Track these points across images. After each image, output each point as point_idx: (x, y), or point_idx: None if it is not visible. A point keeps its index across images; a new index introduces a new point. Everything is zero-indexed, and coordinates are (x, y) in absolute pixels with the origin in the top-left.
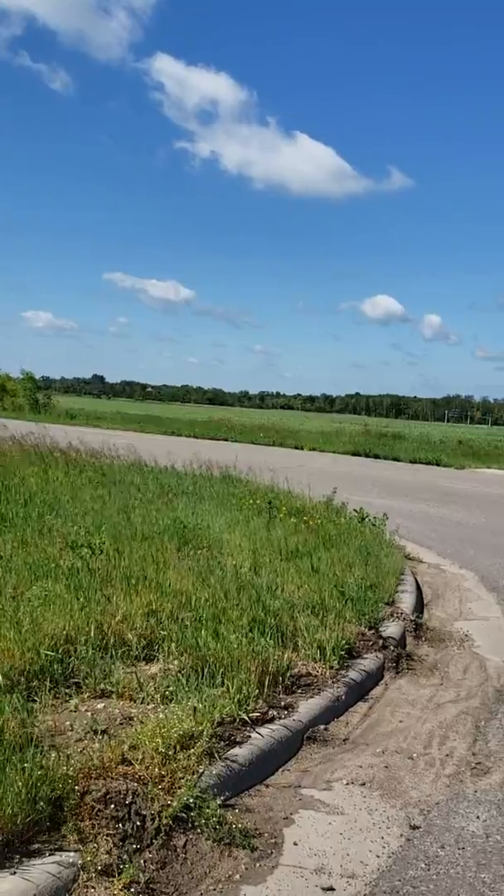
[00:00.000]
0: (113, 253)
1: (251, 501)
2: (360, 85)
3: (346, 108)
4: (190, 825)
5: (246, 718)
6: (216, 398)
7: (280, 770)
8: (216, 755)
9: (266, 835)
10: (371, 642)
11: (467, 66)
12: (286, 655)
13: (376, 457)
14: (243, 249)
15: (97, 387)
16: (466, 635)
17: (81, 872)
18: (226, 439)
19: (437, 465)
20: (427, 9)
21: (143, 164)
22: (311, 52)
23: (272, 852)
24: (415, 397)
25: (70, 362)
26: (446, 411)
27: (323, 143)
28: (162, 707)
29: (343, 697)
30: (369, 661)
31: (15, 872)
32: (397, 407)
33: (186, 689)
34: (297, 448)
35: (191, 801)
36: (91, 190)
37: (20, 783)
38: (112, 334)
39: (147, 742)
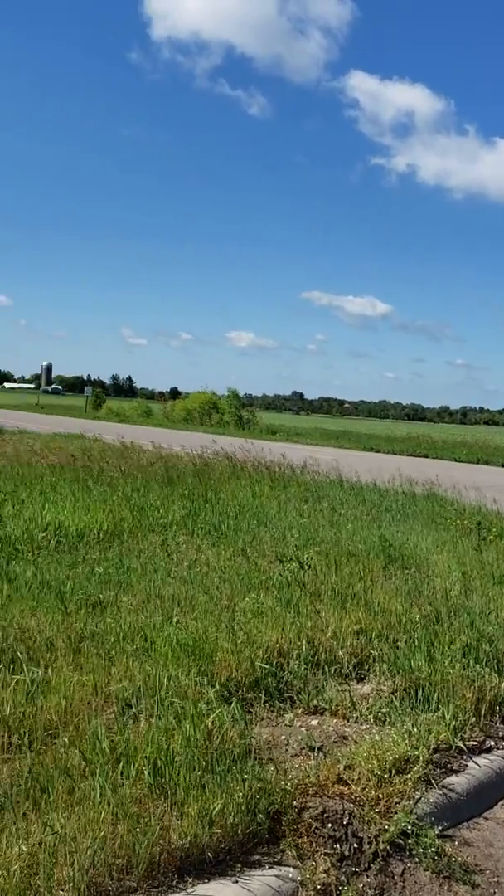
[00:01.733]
0: (309, 272)
1: (458, 521)
2: None
3: None
4: (407, 853)
5: (462, 746)
6: (415, 413)
7: (499, 804)
8: (433, 782)
9: (488, 872)
10: None
11: None
12: (503, 684)
13: None
14: (442, 262)
15: (296, 403)
16: None
17: (300, 888)
18: (426, 455)
19: None
20: None
21: (339, 181)
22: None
23: (495, 892)
24: None
25: (270, 380)
26: None
27: None
28: (376, 728)
29: None
30: None
31: (237, 881)
32: None
33: (400, 711)
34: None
35: (408, 827)
36: (287, 211)
37: (240, 794)
38: (310, 352)
39: (362, 763)
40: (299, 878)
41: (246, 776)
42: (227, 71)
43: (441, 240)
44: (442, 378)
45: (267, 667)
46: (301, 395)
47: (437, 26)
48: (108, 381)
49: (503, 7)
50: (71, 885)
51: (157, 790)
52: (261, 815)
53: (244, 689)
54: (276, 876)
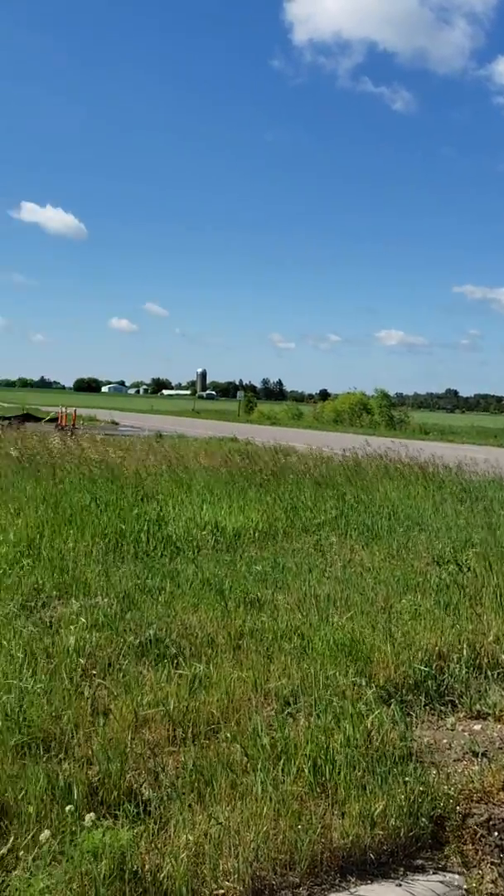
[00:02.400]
0: (461, 265)
1: None
2: None
3: None
4: None
5: None
6: None
7: None
8: None
9: None
10: None
11: None
12: None
13: None
14: None
15: (450, 401)
16: None
17: None
18: None
19: None
20: None
21: (488, 170)
22: None
23: None
24: None
25: (422, 378)
26: None
27: None
28: None
29: None
30: None
31: (400, 884)
32: None
33: None
34: None
35: None
36: (434, 205)
37: (402, 796)
38: (463, 347)
39: None
40: (465, 885)
41: (407, 779)
42: (370, 68)
43: None
44: None
45: (426, 669)
46: (455, 392)
47: None
48: (258, 385)
49: None
50: (236, 876)
51: (318, 788)
52: (423, 819)
53: (403, 691)
54: (441, 882)
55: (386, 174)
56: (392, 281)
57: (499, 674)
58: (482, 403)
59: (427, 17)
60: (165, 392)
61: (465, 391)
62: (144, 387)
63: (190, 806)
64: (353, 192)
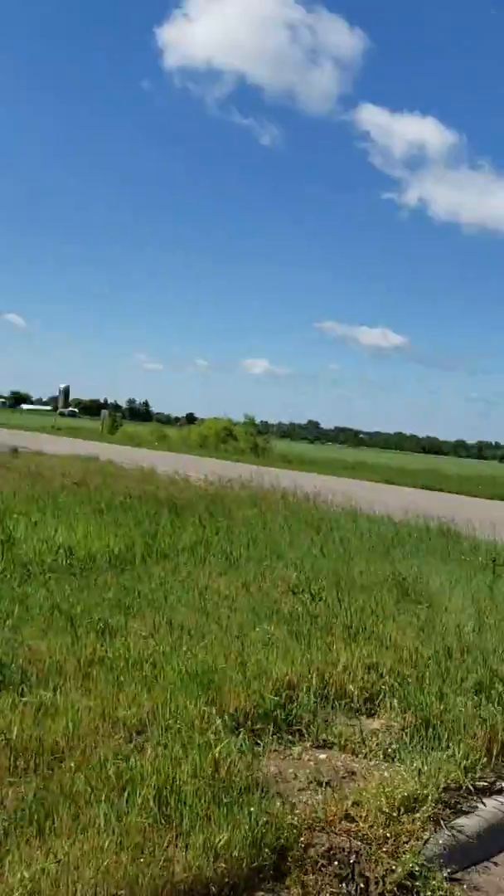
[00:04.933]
0: (323, 302)
1: (472, 557)
2: None
3: None
4: (414, 895)
5: (471, 787)
6: (430, 446)
7: None
8: (442, 822)
9: None
10: None
11: None
12: None
13: None
14: (455, 295)
15: (312, 432)
16: None
17: None
18: (441, 489)
19: None
20: None
21: (351, 213)
22: None
23: None
24: None
25: (285, 408)
26: None
27: None
28: (385, 764)
29: None
30: None
31: None
32: None
33: (409, 748)
34: None
35: (416, 868)
36: (300, 242)
37: (246, 827)
38: (324, 381)
39: (371, 800)
40: None
41: (252, 809)
42: (238, 99)
43: (454, 273)
44: (457, 412)
45: (276, 699)
46: (317, 424)
47: (447, 59)
48: (124, 404)
49: None
50: None
51: (163, 820)
52: (266, 850)
53: (253, 721)
54: None
55: (253, 207)
56: (258, 312)
57: (345, 703)
58: (340, 436)
59: (297, 56)
60: (25, 406)
61: (326, 423)
62: (2, 400)
63: (28, 841)
64: (220, 217)
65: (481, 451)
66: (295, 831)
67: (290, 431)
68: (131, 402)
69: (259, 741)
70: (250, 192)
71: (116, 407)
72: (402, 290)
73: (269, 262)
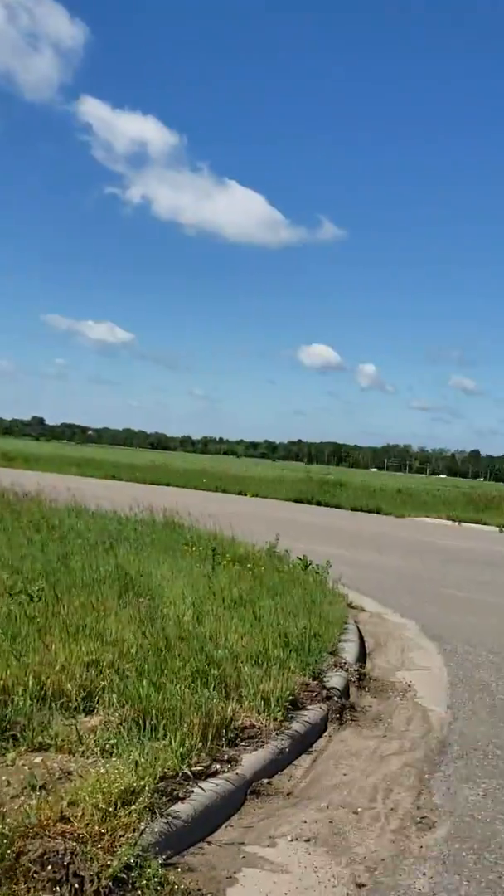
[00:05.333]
0: (49, 295)
1: (194, 548)
2: (287, 134)
3: (274, 157)
4: (130, 886)
5: (188, 773)
6: (159, 442)
7: (223, 826)
8: (158, 811)
9: (209, 895)
10: (315, 693)
11: (396, 115)
12: (230, 707)
13: (318, 504)
14: (181, 294)
15: (36, 429)
16: (409, 685)
17: None
18: (168, 484)
19: (378, 513)
20: (357, 56)
21: (75, 205)
22: (237, 97)
23: None
24: (355, 445)
25: (7, 403)
26: (386, 460)
27: (253, 191)
28: (102, 761)
29: (287, 750)
30: (313, 713)
31: None
32: (338, 454)
33: (127, 742)
34: (240, 494)
35: (131, 860)
36: (24, 231)
37: None
38: (50, 376)
39: (87, 798)
40: None
41: None
42: None
43: (177, 272)
44: (183, 408)
45: None
46: (41, 420)
47: (168, 61)
48: None
49: (231, 48)
50: None
51: None
52: None
53: None
54: None
55: None
56: None
57: (63, 703)
58: (67, 432)
59: (14, 37)
60: None
61: (52, 419)
62: None
63: None
64: None
65: (206, 445)
66: (6, 841)
67: (12, 427)
68: None
69: None
70: None
71: None
72: (127, 286)
73: None
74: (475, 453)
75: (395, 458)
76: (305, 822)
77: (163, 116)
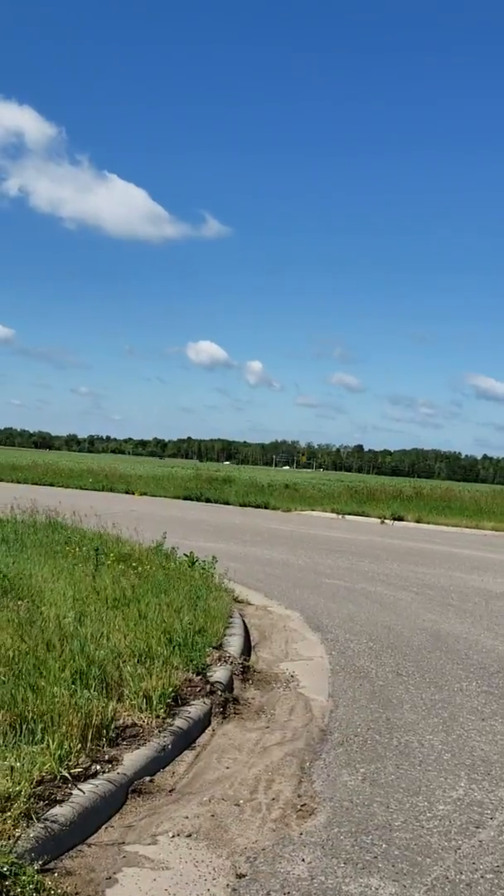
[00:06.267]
0: None
1: (77, 548)
2: (170, 128)
3: (157, 151)
4: (4, 895)
5: (67, 775)
6: (43, 441)
7: (103, 827)
8: (35, 816)
9: None
10: (198, 688)
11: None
12: (111, 706)
13: (207, 500)
14: (63, 289)
15: None
16: (292, 676)
17: None
18: (52, 484)
19: (266, 507)
20: (242, 46)
21: None
22: (117, 88)
23: None
24: (244, 442)
25: None
26: (274, 455)
27: (135, 185)
28: None
29: (169, 747)
30: (196, 708)
31: None
32: (228, 451)
33: (3, 747)
34: (127, 493)
35: (6, 868)
36: None
37: None
38: None
39: None
40: None
41: None
42: None
43: (58, 266)
44: (68, 406)
45: None
46: None
47: (44, 49)
48: None
49: (109, 40)
50: None
51: None
52: None
53: None
54: None
55: None
56: None
57: None
58: None
59: None
60: None
61: None
62: None
63: None
64: None
65: (93, 444)
66: None
67: None
68: None
69: None
70: None
71: None
72: (4, 280)
73: None
74: (359, 448)
75: (283, 453)
76: (187, 817)
77: (40, 107)
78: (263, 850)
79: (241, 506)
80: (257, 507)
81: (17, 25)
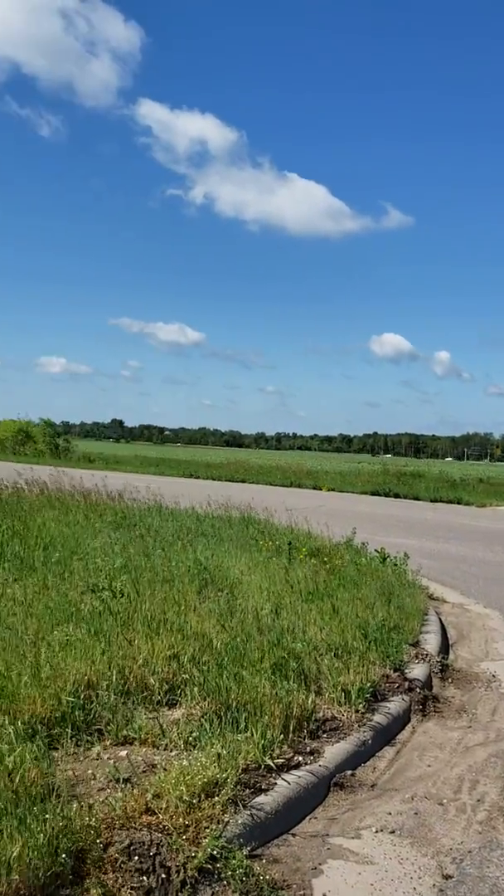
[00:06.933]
0: (116, 297)
1: (270, 543)
2: (346, 123)
3: (335, 146)
4: (216, 877)
5: (271, 765)
6: (233, 440)
7: (307, 818)
8: (241, 803)
9: (294, 886)
10: (396, 685)
11: (460, 105)
12: (310, 699)
13: (396, 496)
14: (247, 291)
15: (116, 431)
16: (494, 676)
17: None
18: (243, 481)
19: (458, 503)
20: (417, 43)
21: (137, 207)
22: (295, 89)
23: None
24: (433, 435)
25: (87, 407)
26: (465, 449)
27: (315, 182)
28: (185, 754)
29: (369, 742)
30: (395, 704)
31: None
32: (416, 445)
33: (210, 734)
34: (315, 488)
35: (216, 851)
36: (89, 235)
37: (41, 835)
38: (125, 378)
39: (171, 790)
40: None
41: (48, 816)
42: (14, 89)
43: (243, 269)
44: (256, 405)
45: (74, 700)
46: (121, 422)
47: (222, 58)
48: None
49: (283, 43)
50: None
51: None
52: (63, 856)
53: (49, 726)
54: None
55: (35, 200)
56: (50, 308)
57: (146, 697)
58: (145, 433)
59: (73, 46)
60: None
61: (130, 421)
62: None
63: None
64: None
65: (280, 441)
66: (93, 832)
67: (93, 431)
68: None
69: (57, 745)
70: (30, 184)
71: None
72: (195, 287)
73: (59, 255)
74: None
75: (475, 446)
76: (390, 813)
77: (221, 114)
78: (470, 852)
79: (431, 501)
80: (449, 502)
81: (194, 38)
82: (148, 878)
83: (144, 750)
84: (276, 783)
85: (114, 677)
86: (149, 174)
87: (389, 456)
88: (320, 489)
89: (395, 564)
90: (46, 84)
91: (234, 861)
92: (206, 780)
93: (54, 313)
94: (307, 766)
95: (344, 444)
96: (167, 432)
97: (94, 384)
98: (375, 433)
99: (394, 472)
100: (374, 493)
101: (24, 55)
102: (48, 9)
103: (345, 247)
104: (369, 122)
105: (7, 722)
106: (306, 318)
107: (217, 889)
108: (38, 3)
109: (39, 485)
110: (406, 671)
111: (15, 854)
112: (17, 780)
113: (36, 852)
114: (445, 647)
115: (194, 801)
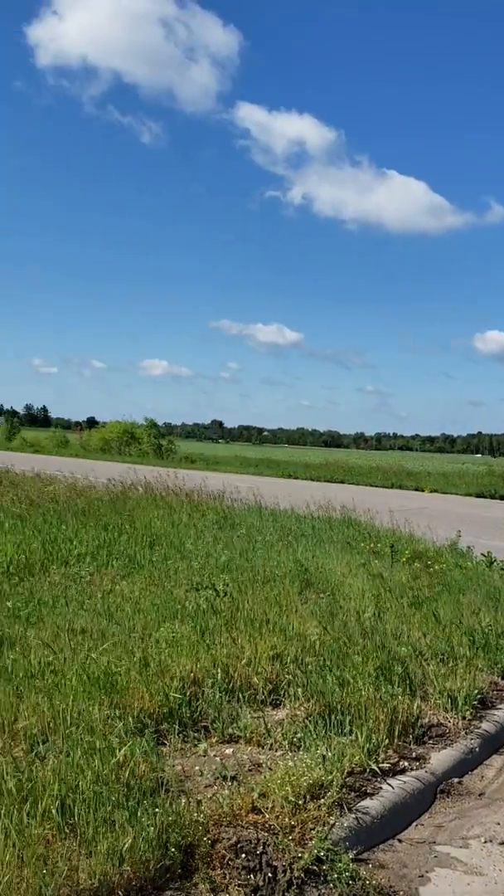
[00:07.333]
0: (216, 300)
1: (372, 545)
2: (446, 117)
3: (435, 142)
4: (322, 879)
5: (376, 769)
6: (332, 440)
7: (413, 825)
8: (346, 806)
9: (401, 893)
10: None
11: None
12: (415, 704)
13: (502, 498)
14: (345, 290)
15: (216, 432)
16: None
17: None
18: (342, 481)
19: None
20: None
21: (237, 210)
22: (392, 86)
23: None
24: None
25: (188, 408)
26: None
27: (415, 178)
28: (290, 754)
29: (477, 749)
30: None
31: None
32: None
33: (314, 736)
34: (417, 490)
35: (322, 853)
36: (190, 239)
37: (151, 828)
38: (224, 380)
39: (277, 790)
40: None
41: (157, 810)
42: (116, 97)
43: (341, 269)
44: (355, 405)
45: (180, 697)
46: (220, 423)
47: (320, 58)
48: (21, 410)
49: (382, 37)
50: None
51: (66, 829)
52: (173, 849)
53: (158, 721)
54: None
55: (137, 205)
56: (152, 311)
57: (250, 696)
58: (244, 434)
59: (173, 53)
60: None
61: (229, 422)
62: None
63: None
64: (106, 218)
65: (380, 441)
66: (201, 828)
67: (194, 432)
68: (29, 407)
69: (165, 741)
70: (132, 190)
71: (13, 413)
72: (293, 287)
73: (158, 262)
74: None
75: None
76: (499, 823)
77: (319, 113)
78: None
79: None
80: None
81: (290, 40)
82: (255, 877)
83: (250, 749)
84: (381, 787)
85: (218, 675)
86: (247, 176)
87: (494, 458)
88: (422, 490)
89: (503, 569)
90: (147, 91)
91: (340, 864)
92: (311, 781)
93: (156, 317)
94: (413, 772)
95: (447, 444)
96: (266, 433)
97: (194, 386)
98: (480, 433)
99: (500, 474)
100: (478, 496)
101: (126, 65)
102: (149, 18)
103: (445, 243)
104: (470, 115)
105: (117, 716)
106: (406, 316)
107: (323, 891)
108: (139, 13)
109: (144, 485)
110: None
111: (127, 845)
112: (127, 774)
113: (147, 845)
114: None
115: (300, 801)
